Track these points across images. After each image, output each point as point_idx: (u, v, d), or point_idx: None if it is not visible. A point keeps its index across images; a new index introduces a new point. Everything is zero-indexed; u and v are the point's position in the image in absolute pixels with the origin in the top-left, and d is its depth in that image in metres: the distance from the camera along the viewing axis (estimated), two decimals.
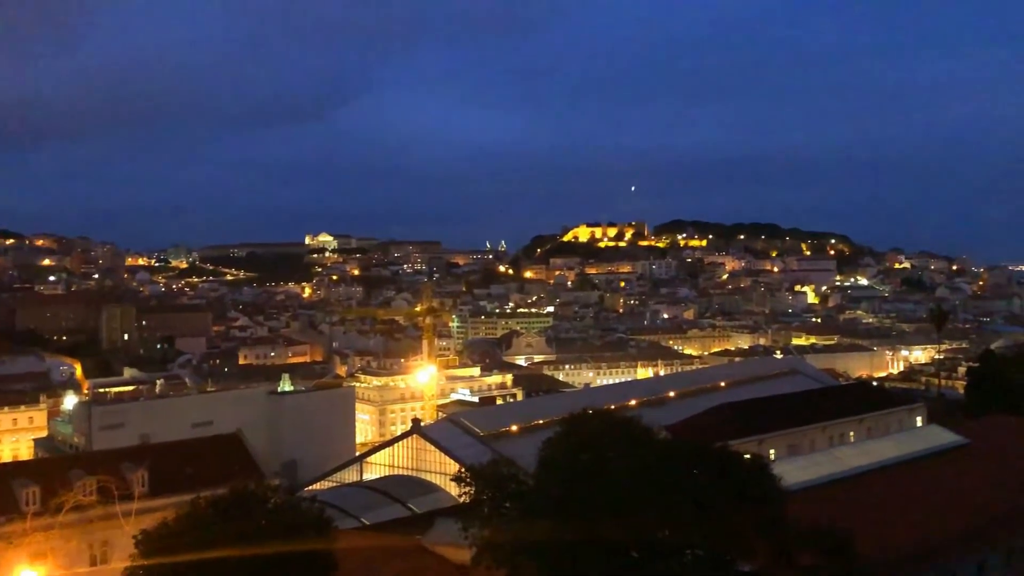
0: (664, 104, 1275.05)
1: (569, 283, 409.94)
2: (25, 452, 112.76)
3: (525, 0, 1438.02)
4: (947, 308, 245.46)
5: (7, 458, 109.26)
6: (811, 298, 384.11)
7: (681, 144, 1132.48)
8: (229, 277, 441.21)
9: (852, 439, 77.66)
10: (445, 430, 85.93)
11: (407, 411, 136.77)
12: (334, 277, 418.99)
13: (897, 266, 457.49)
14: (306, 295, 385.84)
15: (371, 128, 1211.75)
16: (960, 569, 46.56)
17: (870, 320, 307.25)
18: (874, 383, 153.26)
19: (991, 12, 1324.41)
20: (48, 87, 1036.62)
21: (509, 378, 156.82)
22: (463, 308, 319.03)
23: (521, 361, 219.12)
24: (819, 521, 35.17)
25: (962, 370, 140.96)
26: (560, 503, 32.42)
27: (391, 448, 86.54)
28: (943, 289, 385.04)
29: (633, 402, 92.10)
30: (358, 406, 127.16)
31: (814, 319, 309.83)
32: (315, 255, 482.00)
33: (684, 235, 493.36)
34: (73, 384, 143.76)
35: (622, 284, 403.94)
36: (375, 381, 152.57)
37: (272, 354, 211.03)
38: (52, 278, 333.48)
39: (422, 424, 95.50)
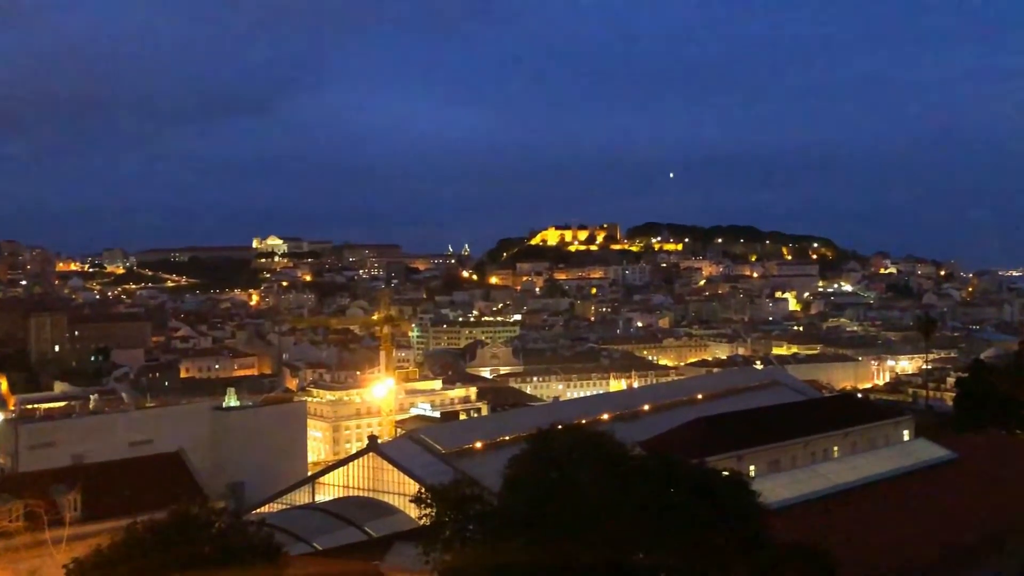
0: (636, 101, 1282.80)
1: (537, 289, 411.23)
2: None
3: None
4: (935, 315, 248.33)
5: None
6: (793, 305, 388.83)
7: (655, 142, 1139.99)
8: (170, 283, 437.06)
9: (836, 454, 78.47)
10: (404, 448, 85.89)
11: (363, 427, 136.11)
12: (284, 284, 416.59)
13: (883, 271, 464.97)
14: (253, 303, 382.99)
15: (324, 123, 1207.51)
16: None
17: (854, 328, 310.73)
18: (859, 395, 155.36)
19: (980, 9, 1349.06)
20: None
21: (473, 391, 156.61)
22: (423, 316, 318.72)
23: (486, 373, 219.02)
24: (801, 540, 35.68)
25: (951, 381, 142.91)
26: (527, 524, 32.54)
27: (346, 467, 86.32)
28: (931, 295, 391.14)
29: (605, 416, 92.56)
30: (310, 422, 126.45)
31: (796, 327, 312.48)
32: (263, 260, 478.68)
33: (659, 238, 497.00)
34: None
35: (593, 291, 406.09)
36: (328, 395, 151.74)
37: (216, 367, 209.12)
38: None
39: (379, 441, 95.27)
